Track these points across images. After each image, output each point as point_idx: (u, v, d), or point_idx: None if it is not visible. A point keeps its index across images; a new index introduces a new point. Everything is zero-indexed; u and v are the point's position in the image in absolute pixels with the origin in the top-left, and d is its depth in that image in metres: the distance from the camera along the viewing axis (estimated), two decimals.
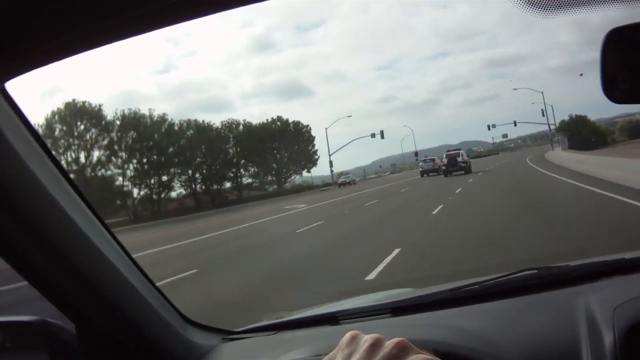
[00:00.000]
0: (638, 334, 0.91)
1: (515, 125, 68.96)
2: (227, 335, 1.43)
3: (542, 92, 71.28)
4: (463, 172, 38.85)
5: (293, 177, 68.43)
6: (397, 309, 1.33)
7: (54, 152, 1.03)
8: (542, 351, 0.99)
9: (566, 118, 63.02)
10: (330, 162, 62.19)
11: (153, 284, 1.21)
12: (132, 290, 1.13)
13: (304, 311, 1.63)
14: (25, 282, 1.09)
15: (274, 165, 63.72)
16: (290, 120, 68.68)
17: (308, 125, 70.99)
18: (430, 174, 43.47)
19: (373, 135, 63.24)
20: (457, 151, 44.36)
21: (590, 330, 0.99)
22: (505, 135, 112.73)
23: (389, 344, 0.61)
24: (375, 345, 0.62)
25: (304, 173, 69.47)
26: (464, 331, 1.09)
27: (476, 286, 1.29)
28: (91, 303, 1.08)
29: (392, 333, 0.64)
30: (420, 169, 49.32)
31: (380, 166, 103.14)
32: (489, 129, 69.98)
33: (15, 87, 0.92)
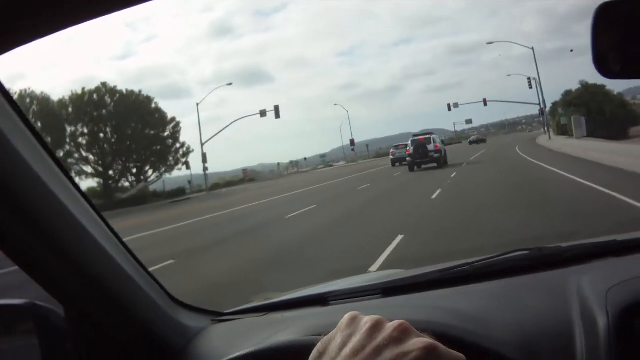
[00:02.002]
0: (631, 316, 0.90)
1: (486, 104, 58.27)
2: (217, 316, 1.41)
3: (536, 78, 54.66)
4: (436, 164, 30.76)
5: (149, 179, 47.96)
6: (388, 290, 1.31)
7: (38, 130, 0.97)
8: (534, 332, 0.97)
9: (553, 101, 49.48)
10: (204, 156, 44.11)
11: (142, 265, 1.18)
12: (121, 272, 1.11)
13: (293, 292, 1.59)
14: (15, 266, 1.04)
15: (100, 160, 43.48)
16: (126, 90, 46.06)
17: (155, 101, 48.26)
18: (403, 163, 35.71)
19: (263, 114, 46.10)
20: (428, 136, 34.36)
21: (582, 312, 0.97)
22: (469, 121, 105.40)
23: (389, 326, 0.61)
24: (376, 327, 0.62)
25: (175, 172, 50.16)
26: (455, 311, 1.07)
27: (467, 267, 1.27)
28: (80, 285, 1.06)
29: (383, 314, 0.64)
30: (392, 157, 42.78)
31: (306, 159, 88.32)
32: (449, 109, 58.54)
33: None
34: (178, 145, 46.45)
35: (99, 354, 1.16)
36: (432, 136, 33.30)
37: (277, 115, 44.22)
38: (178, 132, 46.48)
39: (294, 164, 79.73)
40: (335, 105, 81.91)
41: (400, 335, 0.61)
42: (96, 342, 1.16)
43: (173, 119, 46.22)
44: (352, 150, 61.21)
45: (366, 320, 0.63)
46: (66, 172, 1.04)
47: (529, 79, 51.13)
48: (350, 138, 68.33)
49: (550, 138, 37.74)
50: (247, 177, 55.03)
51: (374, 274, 1.84)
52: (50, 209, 0.99)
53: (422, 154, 30.97)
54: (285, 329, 1.17)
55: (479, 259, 1.32)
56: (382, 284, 1.37)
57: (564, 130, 39.03)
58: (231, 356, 1.09)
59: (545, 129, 45.89)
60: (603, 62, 0.93)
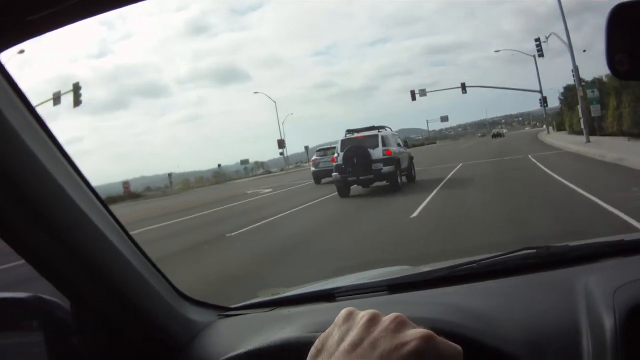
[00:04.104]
0: (638, 316, 0.90)
1: (464, 91, 49.16)
2: (223, 311, 1.42)
3: (535, 55, 45.97)
4: (387, 182, 18.09)
5: None
6: (394, 286, 1.32)
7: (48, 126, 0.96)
8: (540, 331, 0.97)
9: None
10: None
11: (148, 259, 1.19)
12: (127, 265, 1.10)
13: (300, 287, 1.60)
14: (21, 260, 1.04)
15: None
16: None
17: None
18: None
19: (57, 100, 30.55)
20: (373, 133, 19.91)
21: (589, 311, 0.97)
22: (445, 119, 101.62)
23: (386, 319, 0.63)
24: (372, 321, 0.63)
25: None
26: (461, 309, 1.07)
27: (474, 264, 1.27)
28: (86, 278, 1.06)
29: (389, 310, 0.65)
30: (314, 168, 26.03)
31: (220, 165, 68.68)
32: (413, 97, 49.52)
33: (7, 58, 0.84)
34: None
35: (104, 347, 1.15)
36: (382, 133, 19.58)
37: (77, 103, 30.41)
38: None
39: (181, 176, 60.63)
40: (255, 93, 67.98)
41: (397, 327, 0.62)
42: (101, 335, 1.15)
43: None
44: (281, 154, 43.33)
45: (362, 315, 0.65)
46: (73, 165, 1.03)
47: (538, 47, 43.12)
48: (279, 138, 49.74)
49: (588, 141, 25.22)
50: (129, 192, 44.61)
51: (381, 270, 1.80)
52: (56, 201, 0.97)
53: (360, 166, 18.15)
54: (291, 325, 1.18)
55: (486, 256, 1.32)
56: (388, 280, 1.37)
57: (591, 127, 26.73)
58: (236, 352, 1.09)
59: (547, 126, 39.33)
60: (616, 62, 0.95)
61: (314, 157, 24.04)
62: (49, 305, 1.16)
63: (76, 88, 28.75)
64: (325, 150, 23.72)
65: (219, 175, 57.02)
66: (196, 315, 1.35)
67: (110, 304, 1.13)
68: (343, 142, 17.40)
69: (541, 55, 38.83)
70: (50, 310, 1.16)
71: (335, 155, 17.65)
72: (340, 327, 0.65)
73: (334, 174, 18.42)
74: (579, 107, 25.57)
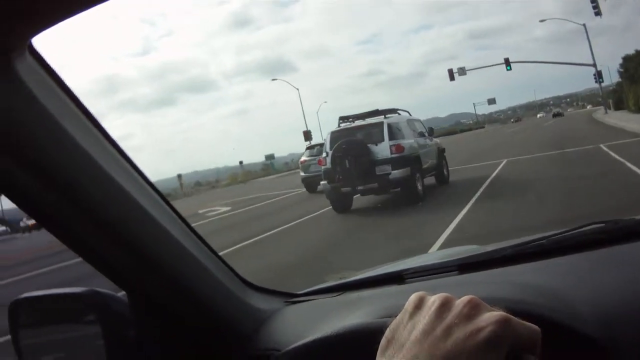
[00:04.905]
0: None
1: (509, 67, 43.19)
2: (290, 298, 1.50)
3: (585, 25, 43.68)
4: (399, 188, 13.12)
5: None
6: (464, 266, 1.37)
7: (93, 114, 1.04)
8: (613, 307, 0.99)
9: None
10: None
11: (210, 248, 1.28)
12: (187, 255, 1.19)
13: (368, 271, 1.68)
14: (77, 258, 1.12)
15: None
16: None
17: None
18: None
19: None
20: (379, 121, 13.61)
21: None
22: (492, 101, 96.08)
23: (459, 303, 0.63)
24: (445, 306, 0.63)
25: None
26: (533, 287, 1.10)
27: (544, 241, 1.31)
28: (144, 270, 1.14)
29: (459, 291, 0.69)
30: (303, 174, 20.29)
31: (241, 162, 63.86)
32: (451, 77, 46.75)
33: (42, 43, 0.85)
34: None
35: (165, 339, 1.24)
36: (390, 120, 13.93)
37: None
38: None
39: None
40: (273, 80, 62.16)
41: (471, 311, 0.61)
42: (162, 327, 1.23)
43: None
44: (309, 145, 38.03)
45: (433, 300, 0.65)
46: (125, 155, 1.09)
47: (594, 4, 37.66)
48: (304, 130, 44.38)
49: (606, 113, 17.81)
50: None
51: (449, 250, 1.88)
52: (111, 194, 1.03)
53: (357, 171, 12.78)
54: (360, 309, 1.21)
55: (554, 232, 1.34)
56: (458, 260, 1.41)
57: None
58: (303, 341, 1.16)
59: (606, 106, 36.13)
60: None
61: (302, 159, 17.81)
62: (106, 298, 1.20)
63: None
64: (320, 147, 18.54)
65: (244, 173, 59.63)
66: (262, 303, 1.39)
67: (171, 296, 1.19)
68: (333, 135, 11.43)
69: (598, 13, 36.59)
70: (107, 304, 1.20)
71: (324, 155, 11.50)
72: (411, 314, 0.65)
73: (322, 182, 14.07)
74: None
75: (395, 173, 12.51)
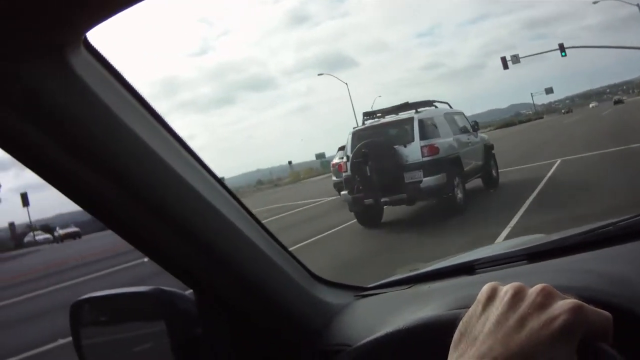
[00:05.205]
0: None
1: (564, 53, 39.13)
2: (360, 292, 1.51)
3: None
4: (434, 197, 10.61)
5: None
6: (532, 255, 1.35)
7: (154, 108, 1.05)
8: None
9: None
10: None
11: (278, 242, 1.30)
12: (256, 250, 1.20)
13: (438, 262, 1.70)
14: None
15: None
16: None
17: None
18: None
19: None
20: (409, 116, 10.74)
21: None
22: (549, 90, 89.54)
23: (532, 292, 0.63)
24: (518, 296, 0.63)
25: None
26: (601, 275, 1.08)
27: (610, 227, 1.29)
28: (212, 267, 1.16)
29: (529, 280, 0.70)
30: (335, 179, 15.74)
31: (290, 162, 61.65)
32: (505, 65, 42.67)
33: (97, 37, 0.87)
34: None
35: (233, 336, 1.25)
36: (422, 115, 11.32)
37: None
38: None
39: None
40: (320, 75, 61.19)
41: (544, 300, 0.61)
42: (230, 324, 1.24)
43: None
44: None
45: (506, 290, 0.65)
46: (191, 151, 1.10)
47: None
48: (354, 127, 41.72)
49: None
50: None
51: (515, 240, 1.82)
52: (178, 191, 1.03)
53: (382, 178, 10.22)
54: (431, 302, 1.21)
55: (620, 219, 1.32)
56: (526, 249, 1.39)
57: None
58: (375, 336, 1.16)
59: None
60: None
61: (334, 161, 15.51)
62: (173, 296, 1.22)
63: None
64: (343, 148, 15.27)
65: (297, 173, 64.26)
66: (332, 297, 1.39)
67: (240, 292, 1.20)
68: (355, 135, 9.02)
69: None
70: (173, 302, 1.21)
71: (343, 158, 9.19)
72: (484, 306, 0.65)
73: (342, 192, 11.91)
74: None
75: (428, 180, 10.70)
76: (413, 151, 10.72)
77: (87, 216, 1.06)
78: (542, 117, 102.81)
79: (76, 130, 0.87)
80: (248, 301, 1.21)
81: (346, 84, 57.82)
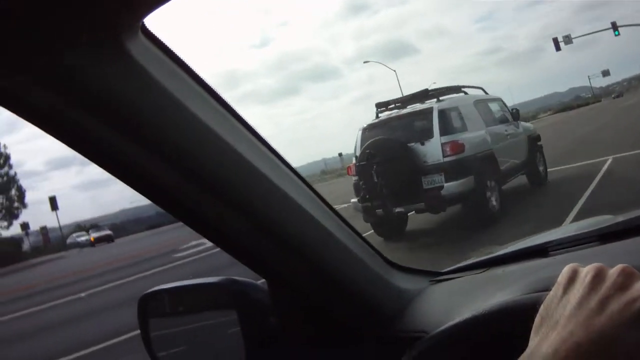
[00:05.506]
0: None
1: (617, 32, 35.87)
2: (434, 276, 1.51)
3: None
4: (464, 203, 8.11)
5: None
6: (604, 236, 1.35)
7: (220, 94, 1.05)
8: None
9: None
10: None
11: (352, 228, 1.30)
12: (330, 237, 1.20)
13: (512, 244, 1.69)
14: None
15: None
16: None
17: None
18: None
19: None
20: (428, 107, 8.17)
21: None
22: (606, 73, 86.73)
23: (612, 273, 0.63)
24: (598, 277, 0.63)
25: None
26: None
27: None
28: (287, 256, 1.16)
29: (603, 261, 0.69)
30: (357, 180, 9.80)
31: (341, 154, 59.50)
32: (557, 47, 39.48)
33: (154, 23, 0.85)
34: None
35: (306, 325, 1.27)
36: (444, 105, 8.78)
37: None
38: None
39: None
40: (366, 62, 59.15)
41: (625, 281, 0.60)
42: (303, 313, 1.26)
43: None
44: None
45: (587, 271, 0.65)
46: (260, 137, 1.09)
47: None
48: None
49: None
50: None
51: (585, 222, 1.77)
52: (249, 178, 1.02)
53: (395, 183, 7.70)
54: (507, 285, 1.20)
55: None
56: (598, 230, 1.40)
57: None
58: (452, 323, 1.15)
59: None
60: None
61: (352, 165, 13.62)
62: (245, 286, 1.23)
63: None
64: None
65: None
66: (407, 283, 1.38)
67: (314, 280, 1.20)
68: (365, 133, 6.81)
69: None
70: (245, 292, 1.22)
71: (353, 160, 7.02)
72: (565, 288, 0.64)
73: (352, 200, 9.60)
74: None
75: (451, 186, 9.03)
76: (432, 150, 8.80)
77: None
78: (599, 101, 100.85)
79: (139, 118, 0.86)
80: (323, 289, 1.21)
81: (394, 71, 55.78)
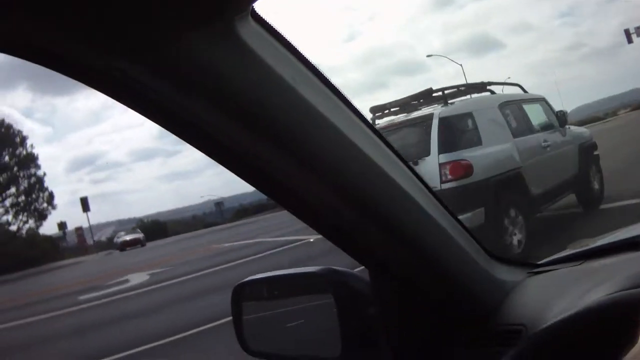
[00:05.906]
0: None
1: None
2: (532, 268, 1.50)
3: None
4: None
5: None
6: None
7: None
8: None
9: None
10: None
11: (453, 216, 1.32)
12: (433, 225, 1.21)
13: (606, 236, 1.68)
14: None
15: None
16: None
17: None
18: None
19: None
20: (427, 114, 5.98)
21: None
22: None
23: None
24: None
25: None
26: None
27: None
28: (391, 244, 1.16)
29: None
30: None
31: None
32: (629, 39, 40.01)
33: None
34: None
35: (406, 315, 1.26)
36: (447, 112, 6.13)
37: None
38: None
39: None
40: (429, 56, 58.00)
41: None
42: (404, 303, 1.25)
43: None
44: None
45: None
46: (370, 125, 1.09)
47: None
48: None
49: None
50: None
51: None
52: (357, 165, 1.02)
53: None
54: (604, 280, 1.20)
55: None
56: None
57: None
58: (558, 319, 1.12)
59: None
60: None
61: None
62: (344, 276, 1.23)
63: None
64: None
65: None
66: (505, 274, 1.38)
67: (417, 269, 1.21)
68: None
69: None
70: (344, 282, 1.22)
71: None
72: None
73: None
74: None
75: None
76: (427, 172, 6.48)
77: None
78: None
79: (250, 104, 0.86)
80: (425, 278, 1.22)
81: (460, 65, 53.08)
